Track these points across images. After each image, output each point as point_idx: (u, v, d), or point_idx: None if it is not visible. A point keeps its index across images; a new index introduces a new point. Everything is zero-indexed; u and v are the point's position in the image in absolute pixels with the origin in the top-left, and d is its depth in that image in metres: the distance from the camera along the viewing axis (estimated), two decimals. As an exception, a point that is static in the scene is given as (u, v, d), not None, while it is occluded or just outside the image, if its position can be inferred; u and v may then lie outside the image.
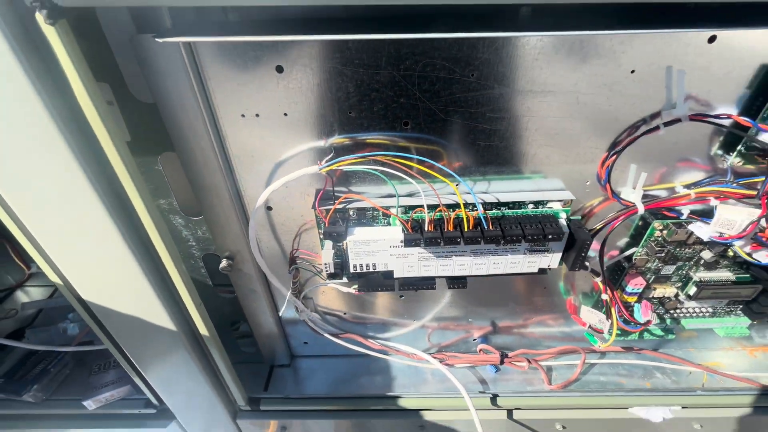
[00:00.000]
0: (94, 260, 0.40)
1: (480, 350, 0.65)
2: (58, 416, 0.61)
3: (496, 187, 0.45)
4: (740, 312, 0.59)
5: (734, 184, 0.44)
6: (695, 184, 0.45)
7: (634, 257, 0.51)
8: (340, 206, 0.43)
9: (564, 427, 0.65)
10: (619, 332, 0.61)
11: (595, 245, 0.50)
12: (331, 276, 0.48)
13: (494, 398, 0.63)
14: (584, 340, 0.65)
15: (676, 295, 0.56)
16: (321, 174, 0.43)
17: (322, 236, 0.46)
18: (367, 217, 0.45)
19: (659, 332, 0.61)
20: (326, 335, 0.59)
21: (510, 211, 0.43)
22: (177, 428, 0.63)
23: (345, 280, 0.51)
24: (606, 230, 0.47)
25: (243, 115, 0.39)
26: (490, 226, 0.41)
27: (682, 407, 0.63)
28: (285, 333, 0.64)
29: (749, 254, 0.44)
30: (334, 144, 0.42)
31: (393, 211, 0.42)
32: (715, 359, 0.66)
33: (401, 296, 0.59)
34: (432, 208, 0.42)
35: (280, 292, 0.56)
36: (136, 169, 0.35)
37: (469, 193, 0.42)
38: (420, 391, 0.63)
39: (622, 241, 0.53)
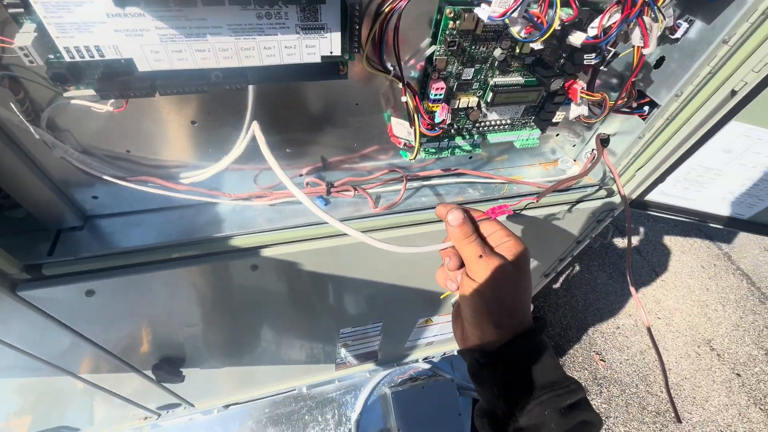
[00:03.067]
0: None
1: (306, 184, 0.63)
2: None
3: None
4: (533, 124, 0.66)
5: (516, -41, 0.42)
6: (482, -41, 0.42)
7: (434, 57, 0.50)
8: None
9: (392, 247, 0.71)
10: (427, 149, 0.64)
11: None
12: (56, 77, 0.36)
13: (323, 227, 0.64)
14: (412, 168, 0.68)
15: (478, 105, 0.58)
16: None
17: None
18: (70, -24, 0.32)
19: (467, 147, 0.65)
20: (105, 176, 0.49)
21: (266, -33, 0.34)
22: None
23: (91, 91, 0.40)
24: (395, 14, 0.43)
25: None
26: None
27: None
28: (58, 186, 0.52)
29: (525, 38, 0.45)
30: None
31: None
32: (517, 174, 0.77)
33: (194, 122, 0.50)
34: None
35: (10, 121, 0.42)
36: None
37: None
38: (248, 231, 0.60)
39: (424, 43, 0.51)
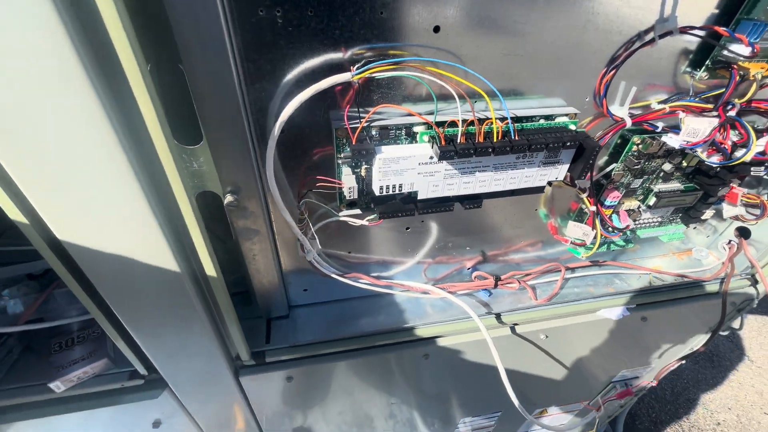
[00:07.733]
0: (79, 188, 0.32)
1: (475, 278, 0.69)
2: (15, 407, 0.51)
3: (508, 105, 0.47)
4: (679, 220, 0.71)
5: (696, 99, 0.51)
6: (666, 101, 0.52)
7: (612, 173, 0.58)
8: (364, 124, 0.41)
9: (546, 336, 0.73)
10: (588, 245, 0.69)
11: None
12: (350, 204, 0.46)
13: (493, 317, 0.68)
14: (561, 260, 0.73)
15: (638, 207, 0.65)
16: (338, 91, 0.40)
17: (341, 160, 0.43)
18: (389, 137, 0.43)
19: (621, 243, 0.70)
20: (333, 275, 0.57)
21: (528, 124, 0.45)
22: (169, 397, 0.57)
23: (357, 211, 0.50)
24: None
25: (261, 11, 0.34)
26: (517, 137, 0.42)
27: (637, 305, 0.75)
28: (284, 281, 0.60)
29: (718, 162, 0.53)
30: (354, 54, 0.39)
31: (429, 119, 0.40)
32: (653, 264, 0.80)
33: (407, 228, 0.59)
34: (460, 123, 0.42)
35: (280, 234, 0.52)
36: (144, 65, 0.29)
37: (493, 110, 0.43)
38: (422, 322, 0.65)
39: (602, 161, 0.59)
